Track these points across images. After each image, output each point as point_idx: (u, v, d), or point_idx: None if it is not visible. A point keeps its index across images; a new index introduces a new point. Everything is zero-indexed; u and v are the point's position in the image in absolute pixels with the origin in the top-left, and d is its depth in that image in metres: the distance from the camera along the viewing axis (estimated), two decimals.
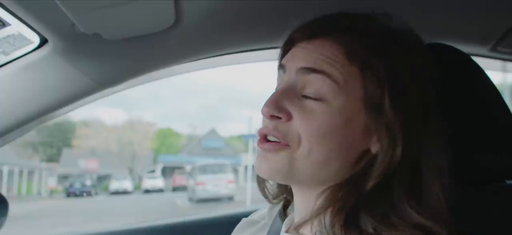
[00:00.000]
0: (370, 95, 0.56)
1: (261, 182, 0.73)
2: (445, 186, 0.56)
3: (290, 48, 0.64)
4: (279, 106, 0.58)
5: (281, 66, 0.63)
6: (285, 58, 0.63)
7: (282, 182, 0.70)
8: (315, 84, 0.57)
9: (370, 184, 0.55)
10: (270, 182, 0.72)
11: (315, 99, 0.57)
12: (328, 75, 0.56)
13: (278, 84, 0.64)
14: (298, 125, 0.57)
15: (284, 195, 0.74)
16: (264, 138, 0.60)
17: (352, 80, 0.57)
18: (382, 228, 0.53)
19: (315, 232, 0.59)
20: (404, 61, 0.58)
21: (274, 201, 0.75)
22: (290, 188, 0.70)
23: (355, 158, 0.58)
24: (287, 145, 0.58)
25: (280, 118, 0.58)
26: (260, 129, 0.61)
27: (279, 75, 0.64)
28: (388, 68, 0.56)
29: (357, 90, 0.57)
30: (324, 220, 0.57)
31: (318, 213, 0.57)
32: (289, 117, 0.58)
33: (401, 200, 0.54)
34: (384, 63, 0.56)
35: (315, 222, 0.58)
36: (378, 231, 0.53)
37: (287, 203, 0.73)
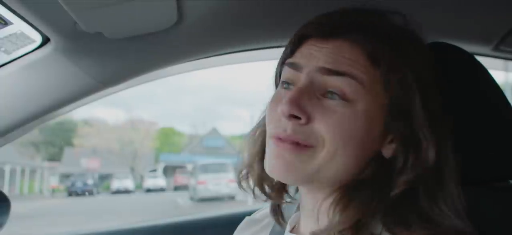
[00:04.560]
0: (397, 100, 0.55)
1: (260, 180, 0.68)
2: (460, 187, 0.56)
3: (301, 44, 0.60)
4: (300, 106, 0.54)
5: (293, 65, 0.59)
6: (299, 55, 0.59)
7: (293, 183, 0.66)
8: (339, 85, 0.54)
9: (396, 191, 0.54)
10: (273, 181, 0.68)
11: (339, 100, 0.54)
12: (352, 77, 0.54)
13: (290, 83, 0.59)
14: (321, 126, 0.54)
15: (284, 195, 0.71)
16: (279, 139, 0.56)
17: (376, 84, 0.55)
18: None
19: None
20: (424, 65, 0.57)
21: (274, 201, 0.71)
22: (288, 188, 0.69)
23: (366, 160, 0.57)
24: (311, 146, 0.55)
25: (299, 119, 0.54)
26: (276, 131, 0.56)
27: (288, 73, 0.59)
28: (414, 74, 0.55)
29: (381, 94, 0.55)
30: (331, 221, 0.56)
31: (346, 225, 0.54)
32: (309, 119, 0.54)
33: (430, 205, 0.53)
34: (410, 68, 0.55)
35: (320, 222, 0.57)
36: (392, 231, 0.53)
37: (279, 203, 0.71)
